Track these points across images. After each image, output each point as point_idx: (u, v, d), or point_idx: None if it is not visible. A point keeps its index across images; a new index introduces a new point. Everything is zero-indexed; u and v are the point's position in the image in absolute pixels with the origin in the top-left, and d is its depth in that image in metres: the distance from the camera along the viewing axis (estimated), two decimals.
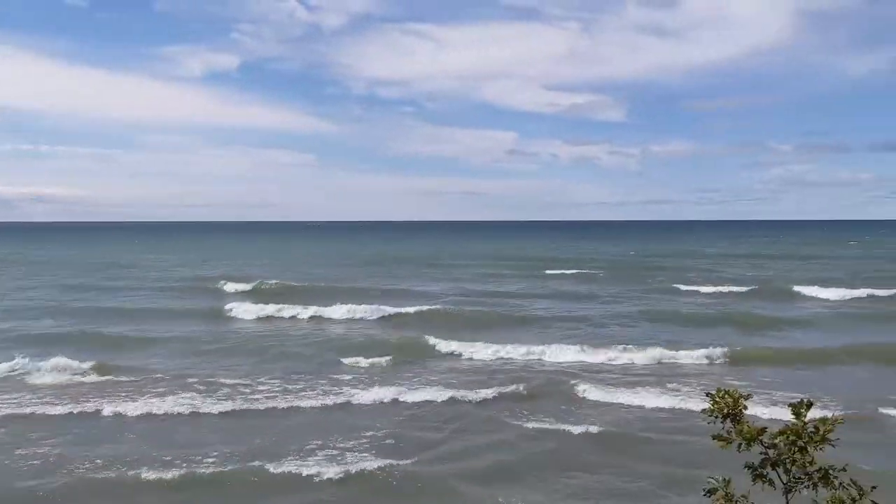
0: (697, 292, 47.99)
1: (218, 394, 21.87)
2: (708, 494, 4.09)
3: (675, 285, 50.82)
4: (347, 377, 24.30)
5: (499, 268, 71.02)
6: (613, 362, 26.51)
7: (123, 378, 23.99)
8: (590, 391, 22.00)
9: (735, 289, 48.25)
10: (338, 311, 37.94)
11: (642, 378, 24.13)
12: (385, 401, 21.11)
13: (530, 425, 18.70)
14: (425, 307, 39.01)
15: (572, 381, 23.07)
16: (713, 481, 4.09)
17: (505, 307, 40.99)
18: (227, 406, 20.55)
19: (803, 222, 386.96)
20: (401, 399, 21.23)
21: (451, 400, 21.19)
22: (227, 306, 40.38)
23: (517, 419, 19.28)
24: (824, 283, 49.56)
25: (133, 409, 20.18)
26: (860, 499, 3.79)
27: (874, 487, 3.84)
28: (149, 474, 15.00)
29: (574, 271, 64.64)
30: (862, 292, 45.16)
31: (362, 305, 38.81)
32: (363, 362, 26.41)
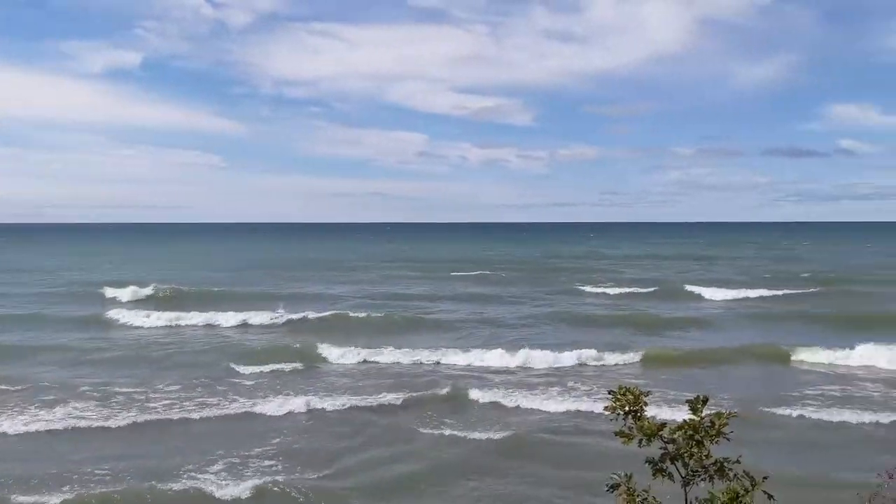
0: (599, 293, 49.22)
1: (112, 405, 20.86)
2: (611, 490, 4.11)
3: (578, 286, 51.93)
4: (249, 384, 23.69)
5: (404, 270, 71.08)
6: (517, 365, 26.69)
7: (6, 387, 22.64)
8: (493, 395, 22.07)
9: (636, 290, 49.71)
10: (238, 317, 36.89)
11: (545, 380, 24.44)
12: (287, 410, 20.52)
13: (435, 432, 18.60)
14: (329, 312, 38.52)
15: (476, 386, 23.11)
16: (615, 477, 4.11)
17: (410, 310, 40.93)
18: (122, 418, 19.61)
19: (702, 224, 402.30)
20: (304, 408, 20.66)
21: (355, 408, 20.86)
22: (122, 312, 38.78)
23: (422, 426, 19.12)
24: (721, 284, 51.58)
25: (16, 424, 19.02)
26: (753, 489, 3.89)
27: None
28: (28, 498, 13.89)
29: (479, 273, 65.30)
30: (756, 293, 47.18)
31: (264, 311, 38.00)
32: (265, 370, 25.74)
